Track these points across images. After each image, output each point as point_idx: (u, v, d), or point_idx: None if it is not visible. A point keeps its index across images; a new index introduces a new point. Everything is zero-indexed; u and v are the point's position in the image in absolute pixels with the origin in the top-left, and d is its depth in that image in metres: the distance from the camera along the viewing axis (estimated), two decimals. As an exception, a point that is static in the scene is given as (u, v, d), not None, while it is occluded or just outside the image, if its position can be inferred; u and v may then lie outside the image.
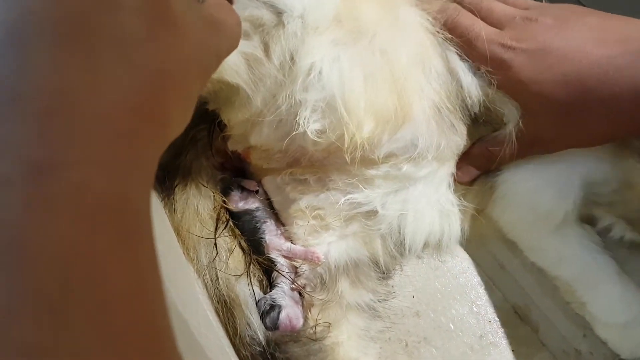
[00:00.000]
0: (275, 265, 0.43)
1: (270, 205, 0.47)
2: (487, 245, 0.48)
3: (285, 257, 0.44)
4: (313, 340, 0.40)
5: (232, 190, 0.45)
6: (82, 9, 0.16)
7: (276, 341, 0.40)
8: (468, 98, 0.41)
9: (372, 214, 0.44)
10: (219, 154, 0.46)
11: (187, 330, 0.33)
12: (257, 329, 0.40)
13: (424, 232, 0.44)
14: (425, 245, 0.46)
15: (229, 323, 0.40)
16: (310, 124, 0.39)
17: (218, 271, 0.41)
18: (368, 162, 0.42)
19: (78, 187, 0.14)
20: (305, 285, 0.43)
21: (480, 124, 0.43)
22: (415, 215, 0.44)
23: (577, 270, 0.43)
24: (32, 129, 0.14)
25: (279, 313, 0.40)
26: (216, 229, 0.43)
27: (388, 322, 0.45)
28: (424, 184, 0.44)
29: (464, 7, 0.43)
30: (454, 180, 0.45)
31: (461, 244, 0.48)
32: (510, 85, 0.39)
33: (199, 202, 0.44)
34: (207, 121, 0.45)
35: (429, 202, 0.44)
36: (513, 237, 0.46)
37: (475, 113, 0.42)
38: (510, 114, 0.41)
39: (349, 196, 0.43)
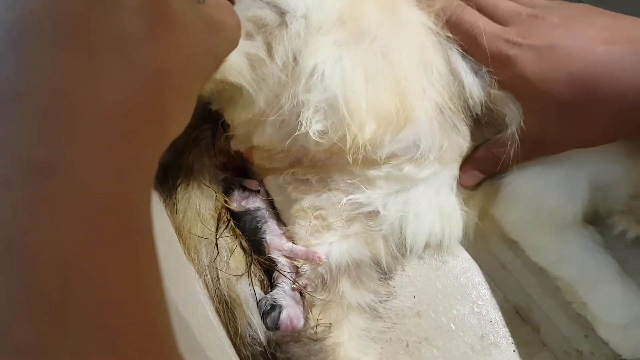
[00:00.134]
0: (276, 265, 0.43)
1: (272, 205, 0.47)
2: (488, 245, 0.48)
3: (286, 257, 0.44)
4: (314, 340, 0.40)
5: (233, 190, 0.46)
6: (82, 9, 0.16)
7: (277, 341, 0.40)
8: (470, 99, 0.41)
9: (373, 214, 0.44)
10: (221, 154, 0.46)
11: (187, 330, 0.33)
12: (258, 329, 0.40)
13: (425, 233, 0.44)
14: (427, 245, 0.46)
15: (229, 323, 0.40)
16: (312, 125, 0.39)
17: (219, 271, 0.41)
18: (370, 162, 0.42)
19: (78, 187, 0.14)
20: (306, 285, 0.43)
21: (483, 125, 0.43)
22: (416, 217, 0.44)
23: (578, 270, 0.43)
24: (32, 129, 0.14)
25: (279, 313, 0.40)
26: (217, 229, 0.43)
27: (389, 323, 0.44)
28: (425, 185, 0.44)
29: (468, 4, 0.42)
30: (458, 184, 0.45)
31: (462, 244, 0.48)
32: (514, 82, 0.39)
33: (201, 202, 0.44)
34: (211, 121, 0.45)
35: (430, 204, 0.44)
36: (515, 236, 0.46)
37: (477, 114, 0.42)
38: (512, 114, 0.40)
39: (350, 196, 0.43)
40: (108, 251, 0.14)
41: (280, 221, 0.46)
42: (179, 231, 0.42)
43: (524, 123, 0.40)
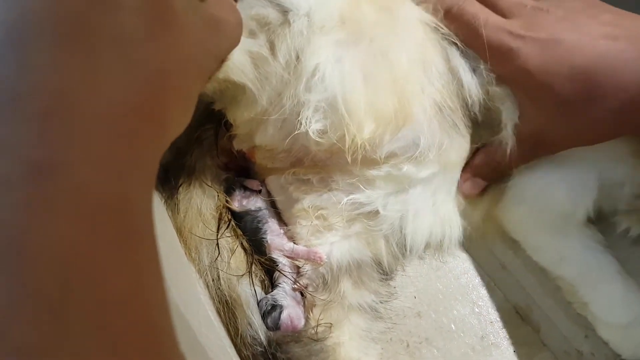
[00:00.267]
0: (277, 265, 0.43)
1: (273, 204, 0.47)
2: (488, 245, 0.48)
3: (287, 257, 0.44)
4: (314, 340, 0.40)
5: (234, 190, 0.46)
6: (82, 8, 0.16)
7: (277, 341, 0.40)
8: (468, 97, 0.41)
9: (374, 214, 0.44)
10: (224, 154, 0.46)
11: (188, 330, 0.33)
12: (259, 329, 0.40)
13: (425, 233, 0.44)
14: (427, 246, 0.46)
15: (230, 323, 0.40)
16: (312, 124, 0.39)
17: (220, 271, 0.41)
18: (370, 162, 0.42)
19: (78, 187, 0.14)
20: (307, 285, 0.43)
21: (480, 126, 0.42)
22: (415, 217, 0.44)
23: (579, 270, 0.43)
24: (32, 129, 0.14)
25: (280, 313, 0.40)
26: (218, 229, 0.43)
27: (389, 323, 0.45)
28: (425, 186, 0.43)
29: None
30: (463, 193, 0.44)
31: (463, 245, 0.48)
32: (515, 76, 0.38)
33: (202, 202, 0.44)
34: (214, 121, 0.45)
35: (429, 205, 0.44)
36: (517, 236, 0.45)
37: (475, 113, 0.42)
38: (508, 112, 0.40)
39: (351, 196, 0.43)
40: (108, 251, 0.14)
41: (281, 221, 0.46)
42: (180, 231, 0.42)
43: (523, 121, 0.39)
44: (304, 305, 0.42)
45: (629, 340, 0.42)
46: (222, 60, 0.25)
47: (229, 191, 0.46)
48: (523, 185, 0.42)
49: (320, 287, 0.43)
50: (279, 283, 0.42)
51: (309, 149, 0.41)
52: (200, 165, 0.45)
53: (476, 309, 0.46)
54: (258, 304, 0.41)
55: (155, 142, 0.18)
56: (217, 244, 0.42)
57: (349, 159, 0.40)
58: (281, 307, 0.40)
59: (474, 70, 0.41)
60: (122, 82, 0.16)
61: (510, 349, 0.45)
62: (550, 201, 0.41)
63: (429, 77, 0.41)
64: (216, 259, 0.41)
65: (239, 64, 0.37)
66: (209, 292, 0.41)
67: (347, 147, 0.39)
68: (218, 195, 0.45)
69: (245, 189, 0.46)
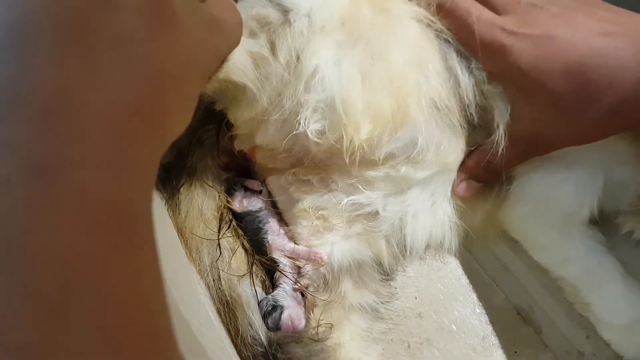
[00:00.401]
0: (278, 265, 0.43)
1: (274, 205, 0.47)
2: (489, 246, 0.48)
3: (288, 257, 0.44)
4: (315, 341, 0.40)
5: (235, 190, 0.46)
6: (82, 8, 0.16)
7: (278, 342, 0.40)
8: (465, 97, 0.41)
9: (374, 215, 0.44)
10: (225, 154, 0.46)
11: (189, 330, 0.33)
12: (259, 330, 0.40)
13: (425, 234, 0.44)
14: (427, 246, 0.45)
15: (230, 323, 0.40)
16: (310, 125, 0.39)
17: (220, 271, 0.41)
18: (368, 163, 0.42)
19: (78, 187, 0.14)
20: (307, 285, 0.43)
21: (476, 127, 0.42)
22: (415, 218, 0.44)
23: (581, 270, 0.42)
24: (32, 129, 0.14)
25: (281, 314, 0.40)
26: (219, 229, 0.43)
27: (390, 324, 0.44)
28: (423, 187, 0.43)
29: None
30: (456, 195, 0.44)
31: (464, 245, 0.48)
32: (508, 73, 0.38)
33: (204, 202, 0.44)
34: (215, 121, 0.45)
35: (429, 206, 0.44)
36: (518, 235, 0.45)
37: (471, 113, 0.42)
38: (500, 111, 0.40)
39: (351, 197, 0.43)
40: (108, 251, 0.14)
41: (282, 221, 0.46)
42: (181, 231, 0.42)
43: (517, 119, 0.39)
44: (305, 306, 0.42)
45: (631, 340, 0.41)
46: (222, 60, 0.25)
47: (230, 191, 0.46)
48: (526, 184, 0.42)
49: (321, 288, 0.43)
50: (280, 283, 0.42)
51: (309, 150, 0.41)
52: (201, 166, 0.45)
53: (477, 310, 0.46)
54: (259, 305, 0.41)
55: (155, 142, 0.18)
56: (219, 244, 0.42)
57: (347, 160, 0.40)
58: (282, 307, 0.40)
59: (470, 68, 0.40)
60: (122, 82, 0.16)
61: (512, 349, 0.44)
62: (555, 200, 0.41)
63: (426, 78, 0.40)
64: (217, 259, 0.41)
65: (240, 64, 0.37)
66: (210, 292, 0.41)
67: (345, 147, 0.39)
68: (219, 196, 0.45)
69: (246, 189, 0.46)
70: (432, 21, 0.41)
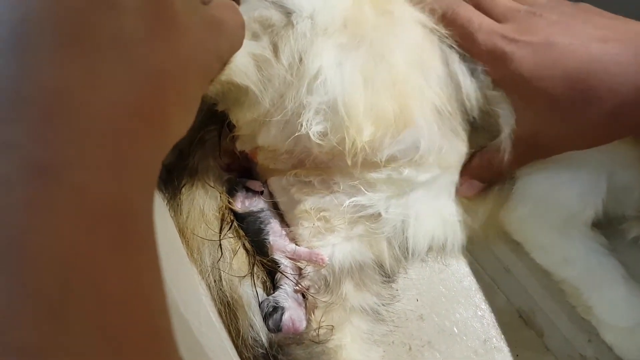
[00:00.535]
0: (279, 266, 0.43)
1: (275, 206, 0.47)
2: (491, 248, 0.48)
3: (289, 258, 0.44)
4: (316, 342, 0.40)
5: (237, 191, 0.46)
6: (83, 9, 0.16)
7: (279, 343, 0.40)
8: (467, 101, 0.41)
9: (376, 217, 0.44)
10: (226, 155, 0.46)
11: (189, 331, 0.33)
12: (260, 331, 0.40)
13: (427, 236, 0.44)
14: (430, 249, 0.45)
15: (231, 324, 0.40)
16: (312, 126, 0.39)
17: (221, 272, 0.41)
18: (370, 165, 0.42)
19: (78, 188, 0.14)
20: (309, 287, 0.43)
21: (479, 130, 0.42)
22: (417, 220, 0.44)
23: (583, 272, 0.42)
24: (33, 129, 0.14)
25: (281, 315, 0.40)
26: (221, 230, 0.43)
27: (392, 326, 0.44)
28: (425, 189, 0.43)
29: (465, 0, 0.42)
30: (460, 194, 0.44)
31: (466, 248, 0.47)
32: (509, 79, 0.38)
33: (205, 203, 0.44)
34: (217, 122, 0.45)
35: (431, 208, 0.44)
36: (520, 237, 0.45)
37: (474, 117, 0.42)
38: (506, 116, 0.40)
39: (353, 199, 0.43)
40: (107, 251, 0.14)
41: (284, 222, 0.46)
42: (182, 232, 0.42)
43: (518, 124, 0.39)
44: (306, 307, 0.42)
45: (633, 344, 0.41)
46: (224, 62, 0.25)
47: (231, 192, 0.46)
48: (528, 185, 0.42)
49: (322, 289, 0.43)
50: (281, 284, 0.42)
51: (310, 151, 0.41)
52: (203, 166, 0.45)
53: (479, 312, 0.46)
54: (259, 306, 0.41)
55: (156, 143, 0.18)
56: (220, 244, 0.42)
57: (349, 162, 0.40)
58: (283, 308, 0.40)
59: (472, 73, 0.41)
60: (122, 82, 0.16)
61: (513, 352, 0.44)
62: (557, 201, 0.41)
63: (428, 81, 0.41)
64: (218, 259, 0.41)
65: (242, 66, 0.37)
66: (211, 293, 0.41)
67: (347, 149, 0.39)
68: (220, 196, 0.45)
69: (248, 190, 0.46)
70: (435, 28, 0.41)
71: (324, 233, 0.44)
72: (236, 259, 0.43)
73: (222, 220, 0.44)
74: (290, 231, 0.45)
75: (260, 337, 0.39)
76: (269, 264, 0.43)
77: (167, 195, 0.44)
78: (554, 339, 0.45)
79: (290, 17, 0.38)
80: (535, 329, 0.46)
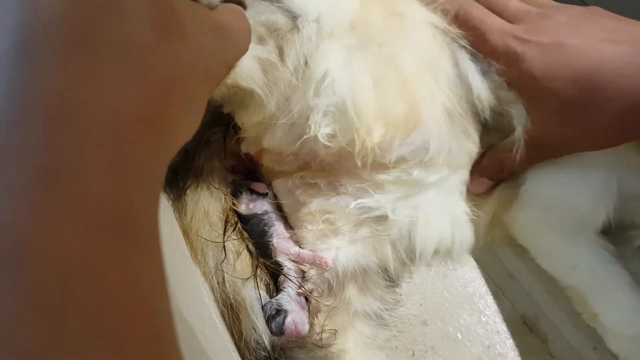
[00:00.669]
0: (283, 269, 0.43)
1: (279, 208, 0.47)
2: (496, 253, 0.47)
3: (292, 261, 0.44)
4: (319, 346, 0.40)
5: (241, 193, 0.46)
6: (89, 16, 0.16)
7: (282, 346, 0.40)
8: (478, 102, 0.41)
9: (382, 219, 0.43)
10: (231, 157, 0.46)
11: (192, 333, 0.33)
12: (263, 334, 0.40)
13: (435, 239, 0.44)
14: (436, 252, 0.45)
15: (234, 327, 0.40)
16: (321, 128, 0.39)
17: (225, 274, 0.41)
18: (379, 166, 0.41)
19: (82, 192, 0.14)
20: (312, 290, 0.42)
21: (490, 130, 0.42)
22: (426, 222, 0.43)
23: (589, 279, 0.42)
24: (39, 134, 0.14)
25: (284, 318, 0.40)
26: (225, 232, 0.43)
27: (395, 331, 0.44)
28: (435, 190, 0.43)
29: (477, 2, 0.42)
30: (469, 191, 0.44)
31: (470, 253, 0.47)
32: (520, 80, 0.39)
33: (209, 204, 0.44)
34: (222, 124, 0.45)
35: (440, 209, 0.44)
36: (525, 242, 0.45)
37: (485, 118, 0.42)
38: (519, 115, 0.40)
39: (359, 200, 0.43)
40: (110, 254, 0.14)
41: (288, 225, 0.46)
42: (186, 233, 0.42)
43: (530, 123, 0.40)
44: (309, 311, 0.42)
45: (639, 352, 0.41)
46: (230, 66, 0.25)
47: (235, 194, 0.46)
48: (538, 188, 0.42)
49: (325, 293, 0.43)
50: (284, 287, 0.42)
51: (317, 153, 0.41)
52: (208, 168, 0.45)
53: (483, 318, 0.45)
54: (262, 308, 0.41)
55: (161, 147, 0.18)
56: (224, 246, 0.42)
57: (359, 163, 0.40)
58: (285, 311, 0.40)
59: (484, 74, 0.41)
60: (127, 87, 0.16)
61: (517, 359, 0.44)
62: (569, 205, 0.41)
63: (438, 82, 0.41)
64: (222, 261, 0.41)
65: (248, 70, 0.37)
66: (214, 294, 0.41)
67: (357, 151, 0.39)
68: (225, 198, 0.45)
69: (252, 192, 0.46)
70: (447, 28, 0.41)
71: (328, 235, 0.44)
72: (240, 260, 0.43)
73: (226, 222, 0.44)
74: (294, 234, 0.45)
75: (263, 339, 0.39)
76: (273, 266, 0.43)
77: (171, 196, 0.44)
78: (558, 346, 0.45)
79: (296, 21, 0.38)
80: (539, 335, 0.45)
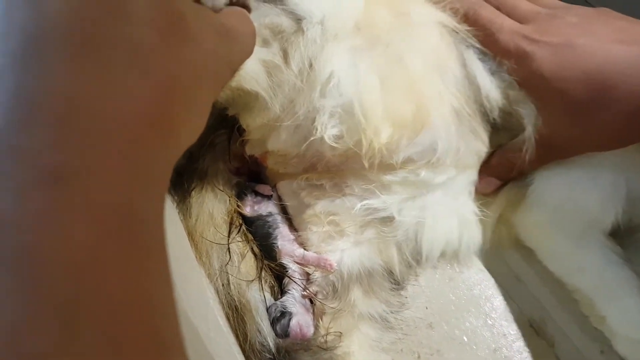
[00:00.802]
0: (287, 271, 0.43)
1: (284, 210, 0.46)
2: (503, 256, 0.47)
3: (297, 263, 0.43)
4: (323, 349, 0.40)
5: (246, 195, 0.46)
6: (96, 19, 0.16)
7: (286, 349, 0.39)
8: (486, 102, 0.41)
9: (388, 220, 0.43)
10: (236, 159, 0.46)
11: (196, 335, 0.33)
12: (268, 336, 0.39)
13: (442, 240, 0.44)
14: (442, 254, 0.45)
15: (239, 329, 0.40)
16: (327, 130, 0.39)
17: (230, 276, 0.41)
18: (386, 167, 0.41)
19: (89, 194, 0.14)
20: (317, 292, 0.42)
21: (500, 130, 0.42)
22: (433, 223, 0.43)
23: (597, 281, 0.42)
24: (47, 136, 0.14)
25: (289, 320, 0.40)
26: (229, 234, 0.43)
27: (400, 334, 0.44)
28: (443, 190, 0.43)
29: (486, 2, 0.43)
30: (476, 190, 0.44)
31: (477, 255, 0.47)
32: (530, 79, 0.39)
33: (214, 206, 0.44)
34: (227, 126, 0.45)
35: (448, 210, 0.44)
36: (533, 243, 0.45)
37: (494, 118, 0.42)
38: (529, 115, 0.40)
39: (365, 202, 0.43)
40: (116, 256, 0.14)
41: (293, 227, 0.46)
42: (191, 235, 0.42)
43: (539, 123, 0.40)
44: (314, 313, 0.42)
45: (647, 356, 0.41)
46: (235, 69, 0.26)
47: (240, 196, 0.46)
48: (546, 189, 0.42)
49: (330, 295, 0.42)
50: (289, 289, 0.42)
51: (323, 154, 0.41)
52: (212, 170, 0.45)
53: (489, 321, 0.45)
54: (267, 310, 0.41)
55: (166, 150, 0.18)
56: (228, 248, 0.42)
57: (366, 164, 0.40)
58: (290, 314, 0.40)
59: (493, 74, 0.41)
60: (134, 90, 0.16)
61: (524, 362, 0.44)
62: (578, 207, 0.41)
63: (445, 82, 0.41)
64: (226, 263, 0.41)
65: (252, 72, 0.37)
66: (218, 297, 0.40)
67: (364, 151, 0.39)
68: (229, 200, 0.45)
69: (257, 194, 0.46)
70: (456, 28, 0.41)
71: (333, 237, 0.44)
72: (244, 263, 0.42)
73: (231, 224, 0.44)
74: (299, 236, 0.45)
75: (267, 342, 0.39)
76: (277, 268, 0.43)
77: (176, 198, 0.44)
78: (565, 350, 0.44)
79: (300, 23, 0.38)
80: (546, 338, 0.45)
